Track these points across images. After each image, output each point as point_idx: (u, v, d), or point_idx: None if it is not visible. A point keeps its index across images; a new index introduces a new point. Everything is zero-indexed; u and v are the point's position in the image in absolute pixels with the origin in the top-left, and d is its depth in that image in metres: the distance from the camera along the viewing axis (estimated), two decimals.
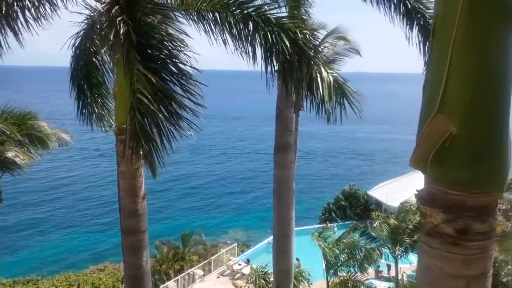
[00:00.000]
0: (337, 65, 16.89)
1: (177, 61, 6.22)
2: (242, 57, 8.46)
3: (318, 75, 9.09)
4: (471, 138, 2.75)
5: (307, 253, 18.34)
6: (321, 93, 9.26)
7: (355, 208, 34.74)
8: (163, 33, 6.32)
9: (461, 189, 2.81)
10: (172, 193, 56.05)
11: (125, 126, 7.82)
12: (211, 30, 8.45)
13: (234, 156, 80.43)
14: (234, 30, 8.37)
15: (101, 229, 44.81)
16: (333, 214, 34.11)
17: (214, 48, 8.54)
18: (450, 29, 2.76)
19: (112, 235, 39.29)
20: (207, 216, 48.60)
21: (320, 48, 16.38)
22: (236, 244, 30.69)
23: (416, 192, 3.09)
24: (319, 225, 29.42)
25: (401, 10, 10.64)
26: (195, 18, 8.51)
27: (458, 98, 2.76)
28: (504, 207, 25.08)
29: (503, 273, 14.76)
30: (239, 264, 27.67)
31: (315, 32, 17.23)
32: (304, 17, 15.69)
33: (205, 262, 26.10)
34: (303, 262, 20.01)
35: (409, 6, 10.28)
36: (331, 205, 35.45)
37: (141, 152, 6.19)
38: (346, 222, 31.10)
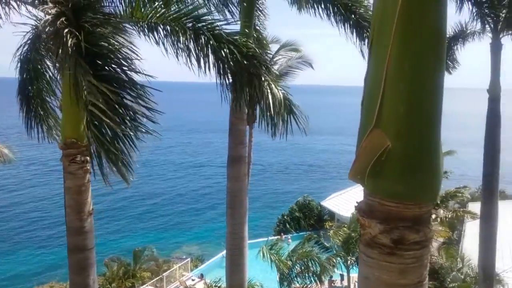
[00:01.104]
0: (290, 77, 17.25)
1: (128, 71, 6.14)
2: (193, 70, 8.46)
3: (268, 90, 9.24)
4: (405, 152, 2.90)
5: (262, 265, 18.35)
6: (271, 108, 9.41)
7: (309, 219, 35.21)
8: (113, 43, 6.24)
9: (396, 200, 2.95)
10: (125, 208, 54.52)
11: (71, 139, 7.61)
12: (162, 42, 8.41)
13: (188, 170, 79.43)
14: (186, 44, 8.37)
15: (49, 247, 42.86)
16: (288, 226, 34.39)
17: (168, 60, 8.53)
18: (384, 49, 2.91)
19: (59, 253, 37.66)
20: (161, 231, 47.58)
21: (273, 61, 16.74)
22: (189, 259, 30.22)
23: (356, 204, 3.21)
24: (273, 237, 29.52)
25: (350, 23, 11.08)
26: (146, 30, 8.45)
27: (393, 114, 2.91)
28: (449, 216, 26.25)
29: (449, 280, 15.39)
30: (193, 280, 27.29)
31: (268, 45, 17.59)
32: (258, 29, 15.97)
33: (157, 278, 25.52)
34: (257, 274, 19.98)
35: (362, 23, 10.72)
36: (285, 217, 35.76)
37: (89, 167, 6.04)
38: (301, 233, 31.43)
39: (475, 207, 20.23)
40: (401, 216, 2.94)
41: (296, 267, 14.64)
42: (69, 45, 5.59)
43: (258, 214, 48.71)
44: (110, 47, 6.19)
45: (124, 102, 5.98)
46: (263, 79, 8.71)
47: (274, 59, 16.93)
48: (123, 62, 6.11)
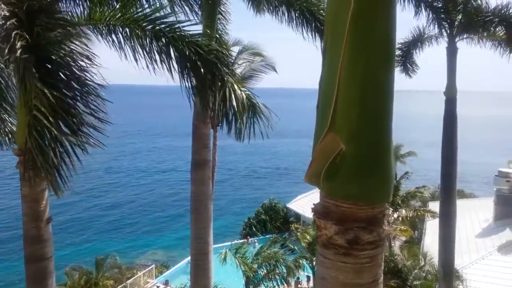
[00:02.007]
0: (254, 80, 17.33)
1: (80, 76, 5.99)
2: (155, 73, 8.35)
3: (232, 92, 9.23)
4: (358, 155, 2.96)
5: (228, 269, 18.28)
6: (235, 110, 9.41)
7: (275, 221, 35.34)
8: (66, 48, 6.07)
9: (350, 202, 3.01)
10: (87, 216, 53.14)
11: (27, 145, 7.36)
12: (122, 45, 8.26)
13: (153, 175, 78.19)
14: (146, 46, 8.26)
15: (5, 257, 41.17)
16: (254, 229, 34.40)
17: (133, 63, 8.36)
18: (337, 54, 2.96)
19: (16, 263, 36.23)
20: (126, 238, 46.59)
21: (237, 64, 16.77)
22: (154, 265, 29.74)
23: (313, 206, 3.25)
24: (240, 241, 29.47)
25: (312, 27, 11.22)
26: (104, 33, 8.29)
27: (346, 118, 2.97)
28: (411, 215, 26.93)
29: (411, 278, 15.76)
30: (157, 286, 26.90)
31: (231, 48, 17.59)
32: (220, 33, 15.96)
33: (120, 286, 24.99)
34: (224, 279, 19.89)
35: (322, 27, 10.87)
36: (251, 220, 35.77)
37: (43, 174, 5.84)
38: (267, 236, 31.48)
39: (436, 206, 20.84)
40: (355, 217, 3.00)
41: (262, 269, 14.67)
42: (17, 47, 5.41)
43: (224, 218, 48.49)
44: (62, 51, 6.03)
45: (74, 111, 5.84)
46: (226, 81, 8.69)
47: (238, 62, 16.98)
48: (75, 67, 5.96)
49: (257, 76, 17.42)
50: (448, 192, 14.81)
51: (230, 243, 19.34)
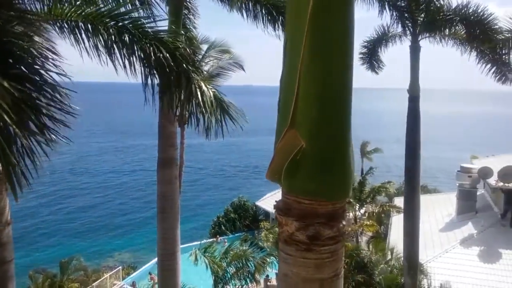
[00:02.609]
0: (222, 78, 17.22)
1: (44, 71, 5.81)
2: (118, 70, 8.18)
3: (198, 90, 9.14)
4: (318, 152, 2.99)
5: (198, 269, 18.18)
6: (201, 108, 9.34)
7: (244, 219, 35.37)
8: (27, 42, 5.87)
9: (311, 198, 3.03)
10: (52, 218, 51.75)
11: None
12: (83, 41, 8.05)
13: (120, 174, 76.86)
14: (109, 43, 8.08)
15: None
16: (223, 227, 34.33)
17: (96, 60, 8.16)
18: (297, 53, 2.98)
19: None
20: (92, 240, 45.62)
21: (204, 62, 16.63)
22: (121, 267, 29.24)
23: (275, 203, 3.26)
24: (209, 240, 29.37)
25: (279, 24, 11.27)
26: (65, 28, 8.06)
27: (307, 115, 2.99)
28: (376, 211, 27.51)
29: (377, 272, 16.07)
30: None
31: (199, 45, 17.45)
32: (188, 28, 15.79)
33: None
34: (193, 279, 19.77)
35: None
36: (220, 218, 35.67)
37: (3, 175, 5.62)
38: (236, 234, 31.49)
39: (401, 201, 21.35)
40: (316, 213, 3.03)
41: (231, 268, 14.64)
42: None
43: (193, 217, 48.22)
44: (23, 45, 5.84)
45: (38, 107, 5.66)
46: (192, 78, 8.60)
47: (206, 60, 16.85)
48: (36, 61, 5.78)
49: (225, 74, 17.32)
50: (412, 187, 15.15)
51: (199, 242, 19.20)
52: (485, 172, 22.26)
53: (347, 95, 3.05)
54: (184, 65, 8.44)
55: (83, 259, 27.24)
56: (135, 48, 8.26)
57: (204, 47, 17.21)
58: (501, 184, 20.94)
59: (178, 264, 11.45)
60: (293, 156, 2.97)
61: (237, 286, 15.16)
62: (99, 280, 25.62)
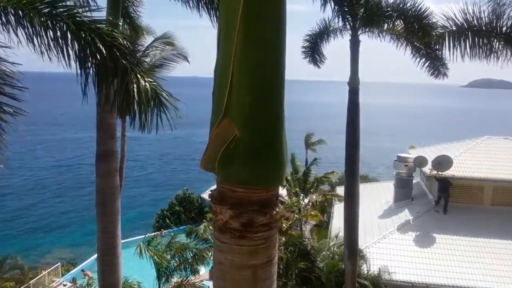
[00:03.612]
0: (165, 69, 16.93)
1: None
2: (50, 59, 7.82)
3: (135, 81, 8.92)
4: (251, 140, 3.03)
5: (141, 263, 17.89)
6: (138, 99, 9.13)
7: (189, 212, 35.08)
8: None
9: (245, 186, 3.07)
10: None
11: None
12: (15, 29, 7.63)
13: (57, 169, 73.68)
14: (42, 31, 7.70)
15: None
16: (168, 221, 33.90)
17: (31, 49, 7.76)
18: (231, 43, 2.99)
19: None
20: (29, 237, 43.60)
21: (146, 53, 16.27)
22: (59, 263, 28.21)
23: (210, 192, 3.27)
24: (153, 233, 28.95)
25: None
26: None
27: (240, 104, 3.02)
28: (320, 200, 28.25)
29: (319, 259, 16.52)
30: (64, 285, 25.63)
31: (144, 34, 17.02)
32: (132, 17, 15.36)
33: (23, 287, 23.46)
34: (136, 273, 19.45)
35: None
36: (165, 212, 35.18)
37: None
38: (181, 227, 31.25)
39: (343, 190, 22.01)
40: (250, 200, 3.08)
41: (175, 260, 14.53)
42: None
43: (137, 211, 47.32)
44: None
45: None
46: (129, 70, 8.38)
47: (148, 50, 16.50)
48: None
49: (168, 64, 17.05)
50: (352, 176, 15.65)
51: (142, 236, 18.86)
52: (420, 161, 23.38)
53: (280, 84, 3.11)
54: (121, 56, 8.21)
55: (19, 258, 26.08)
56: (69, 37, 7.93)
57: (150, 38, 16.88)
58: (434, 172, 22.10)
59: (119, 258, 11.21)
60: (227, 145, 2.99)
61: (180, 279, 15.07)
62: (36, 278, 24.61)
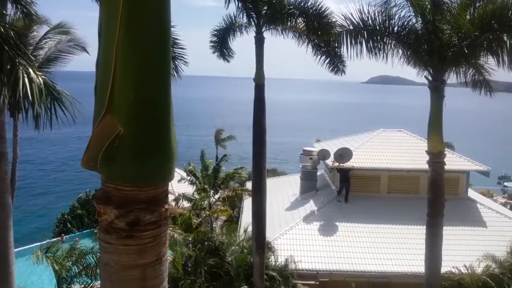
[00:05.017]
0: (61, 62, 15.84)
1: None
2: None
3: (25, 76, 8.28)
4: (136, 137, 2.95)
5: (40, 271, 16.72)
6: (29, 95, 8.49)
7: (93, 215, 33.25)
8: None
9: (131, 184, 2.98)
10: None
11: None
12: None
13: None
14: None
15: None
16: (69, 225, 31.89)
17: None
18: (113, 36, 2.87)
19: None
20: None
21: (40, 45, 15.11)
22: None
23: (95, 192, 3.13)
24: (53, 239, 27.11)
25: None
26: None
27: (124, 100, 2.92)
28: (230, 195, 28.49)
29: (229, 254, 16.64)
30: None
31: (40, 22, 15.76)
32: (26, 7, 14.16)
33: None
34: (34, 282, 18.18)
35: None
36: (66, 216, 33.03)
37: None
38: (84, 231, 29.63)
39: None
40: (137, 199, 3.00)
41: (78, 266, 13.74)
42: None
43: (33, 216, 44.17)
44: None
45: None
46: (17, 63, 7.76)
47: (41, 42, 15.35)
48: None
49: (64, 57, 15.98)
50: (259, 170, 15.97)
51: (40, 243, 17.53)
52: (323, 154, 24.54)
53: (166, 78, 3.06)
54: (6, 49, 7.59)
55: None
56: None
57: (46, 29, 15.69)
58: (336, 164, 23.34)
59: (12, 267, 10.38)
60: (110, 142, 2.88)
61: (82, 285, 14.28)
62: None
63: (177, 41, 11.65)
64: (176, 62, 12.12)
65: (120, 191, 2.98)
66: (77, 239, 28.76)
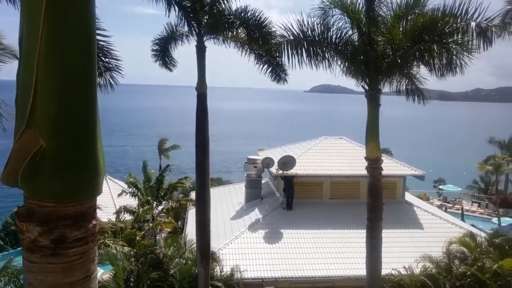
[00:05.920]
0: None
1: None
2: None
3: None
4: (60, 151, 2.84)
5: None
6: None
7: None
8: None
9: (55, 200, 2.87)
10: None
11: None
12: None
13: None
14: None
15: None
16: (2, 242, 30.07)
17: None
18: (34, 45, 2.76)
19: None
20: None
21: None
22: None
23: (17, 209, 2.98)
24: None
25: None
26: None
27: (45, 113, 2.81)
28: (174, 206, 28.06)
29: (172, 266, 16.34)
30: None
31: None
32: None
33: None
34: None
35: None
36: None
37: None
38: (19, 249, 28.03)
39: None
40: (61, 215, 2.88)
41: (10, 287, 12.98)
42: None
43: None
44: None
45: None
46: None
47: None
48: None
49: None
50: (203, 180, 15.87)
51: None
52: (267, 162, 24.78)
53: (91, 89, 2.97)
54: None
55: None
56: None
57: None
58: (280, 172, 23.65)
59: None
60: (32, 157, 2.75)
61: None
62: None
63: (112, 51, 11.37)
64: (113, 74, 11.82)
65: (43, 208, 2.85)
66: (11, 257, 27.14)
